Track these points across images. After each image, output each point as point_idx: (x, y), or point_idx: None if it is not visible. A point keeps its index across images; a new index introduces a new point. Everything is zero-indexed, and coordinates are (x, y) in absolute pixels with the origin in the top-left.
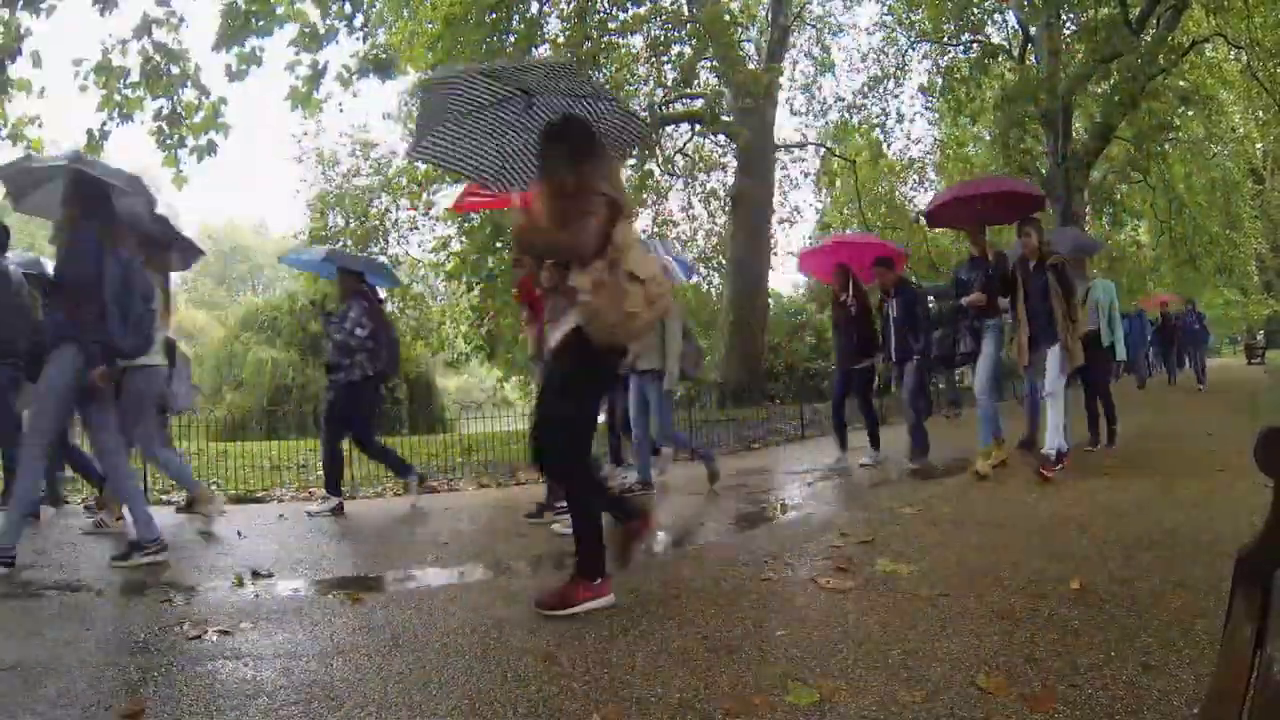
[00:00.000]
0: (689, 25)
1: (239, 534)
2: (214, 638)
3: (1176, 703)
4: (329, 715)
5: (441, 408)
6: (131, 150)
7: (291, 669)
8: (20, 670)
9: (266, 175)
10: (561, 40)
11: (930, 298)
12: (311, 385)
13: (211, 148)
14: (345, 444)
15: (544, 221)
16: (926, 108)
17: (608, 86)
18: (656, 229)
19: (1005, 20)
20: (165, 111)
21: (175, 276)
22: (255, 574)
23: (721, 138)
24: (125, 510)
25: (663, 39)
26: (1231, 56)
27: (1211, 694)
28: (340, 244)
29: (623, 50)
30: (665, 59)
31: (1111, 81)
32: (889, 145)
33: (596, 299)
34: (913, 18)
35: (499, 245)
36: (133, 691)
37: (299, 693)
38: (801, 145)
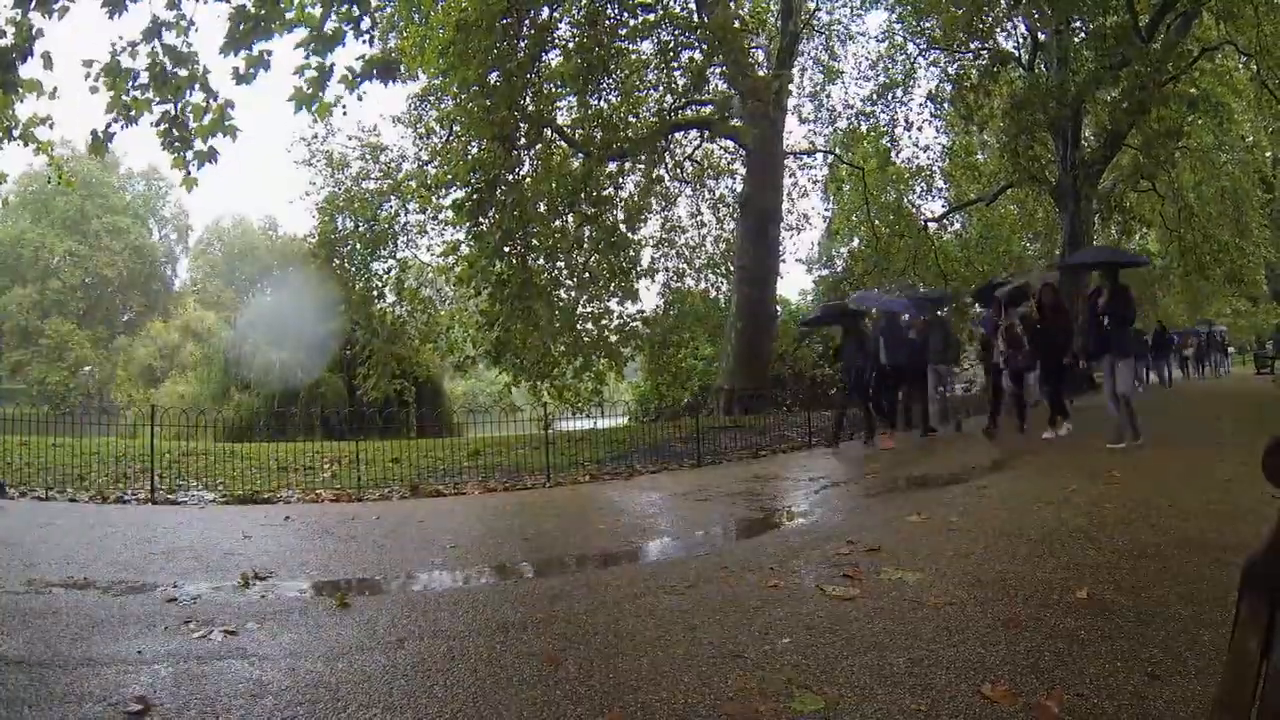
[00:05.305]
0: (699, 31)
1: (245, 535)
2: (220, 637)
3: (1183, 713)
4: (334, 715)
5: (449, 411)
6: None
7: (297, 669)
8: (27, 667)
9: (277, 176)
10: (572, 46)
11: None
12: (321, 386)
13: (213, 154)
14: None
15: None
16: (935, 115)
17: (618, 91)
18: (665, 235)
19: (1015, 27)
20: (172, 114)
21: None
22: (259, 575)
23: (730, 144)
24: None
25: (672, 45)
26: (1240, 65)
27: (1218, 702)
28: (349, 247)
29: (633, 56)
30: (675, 65)
31: (1120, 88)
32: (897, 153)
33: None
34: (922, 26)
35: (507, 250)
36: (139, 689)
37: (304, 693)
38: (810, 152)
